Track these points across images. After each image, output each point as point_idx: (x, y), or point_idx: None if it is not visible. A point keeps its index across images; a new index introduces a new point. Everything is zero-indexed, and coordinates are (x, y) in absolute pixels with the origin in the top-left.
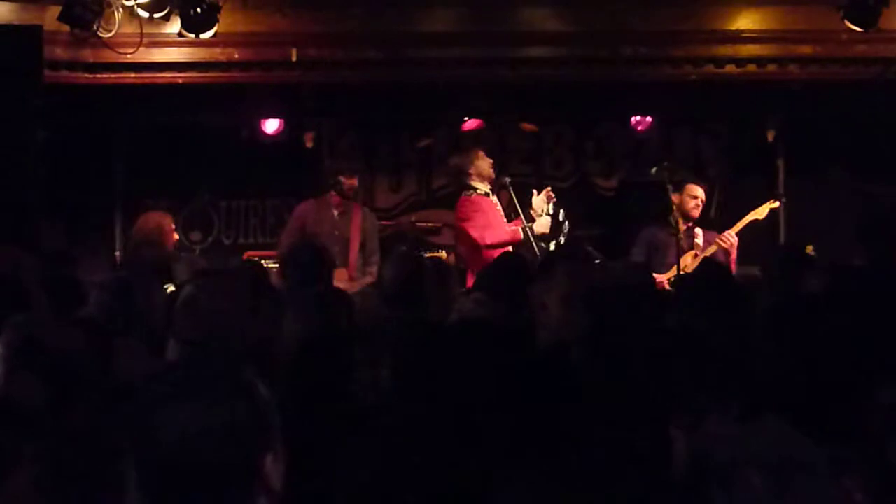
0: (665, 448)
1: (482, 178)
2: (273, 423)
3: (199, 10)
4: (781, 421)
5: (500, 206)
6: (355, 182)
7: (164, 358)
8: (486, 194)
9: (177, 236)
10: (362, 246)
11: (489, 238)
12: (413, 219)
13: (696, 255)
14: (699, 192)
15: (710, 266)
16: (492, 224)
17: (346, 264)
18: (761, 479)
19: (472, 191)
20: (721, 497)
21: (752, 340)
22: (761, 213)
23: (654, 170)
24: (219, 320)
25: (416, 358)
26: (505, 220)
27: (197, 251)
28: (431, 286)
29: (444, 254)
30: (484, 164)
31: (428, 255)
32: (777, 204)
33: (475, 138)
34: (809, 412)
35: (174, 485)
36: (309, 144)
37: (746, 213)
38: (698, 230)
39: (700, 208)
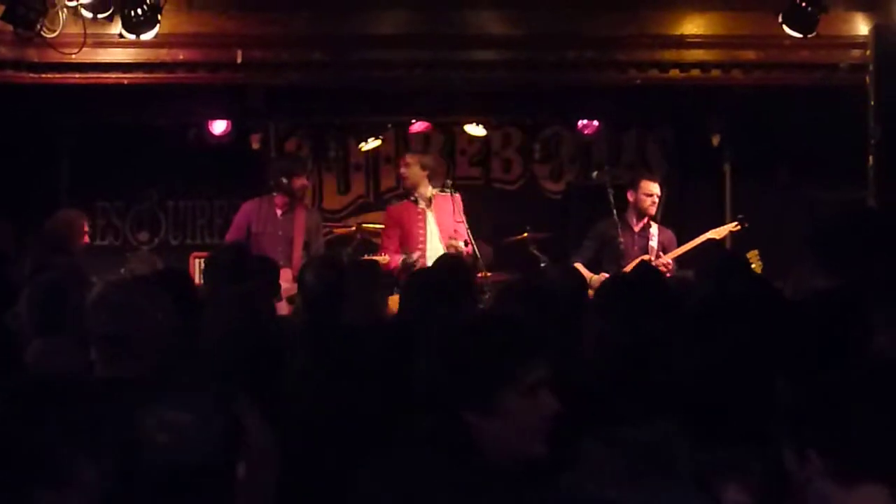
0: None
1: (409, 181)
2: (248, 439)
3: (139, 10)
4: (648, 416)
5: (427, 217)
6: (306, 181)
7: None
8: (415, 201)
9: (87, 238)
10: (307, 245)
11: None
12: (359, 221)
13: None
14: (654, 188)
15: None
16: (385, 244)
17: (289, 264)
18: (610, 472)
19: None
20: (572, 488)
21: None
22: (720, 233)
23: (595, 174)
24: (131, 316)
25: (317, 359)
26: (415, 234)
27: (145, 252)
28: (353, 290)
29: (384, 258)
30: (412, 171)
31: (366, 257)
32: (738, 227)
33: (423, 141)
34: (711, 414)
35: (150, 488)
36: (255, 146)
37: (692, 217)
38: (653, 230)
39: (656, 205)
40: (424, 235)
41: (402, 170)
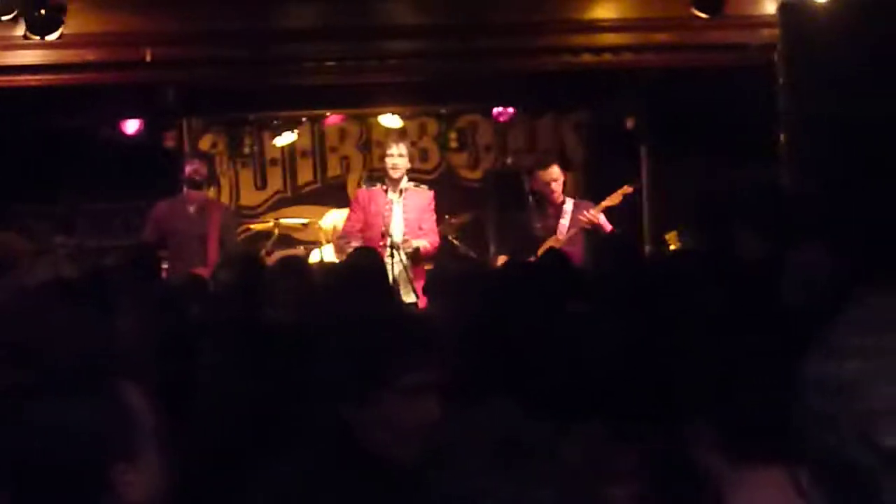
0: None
1: (400, 171)
2: (133, 432)
3: (42, 11)
4: (505, 401)
5: (394, 208)
6: (203, 169)
7: None
8: (386, 190)
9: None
10: (222, 244)
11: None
12: (277, 216)
13: (557, 240)
14: (549, 174)
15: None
16: (346, 227)
17: (204, 263)
18: (476, 462)
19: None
20: (439, 480)
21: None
22: (615, 199)
23: (509, 160)
24: (22, 324)
25: (226, 358)
26: (372, 219)
27: (62, 255)
28: (277, 286)
29: (301, 250)
30: (405, 161)
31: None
32: (630, 189)
33: (339, 133)
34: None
35: (25, 482)
36: (169, 144)
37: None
38: (567, 207)
39: (559, 190)
40: (389, 224)
41: (398, 160)
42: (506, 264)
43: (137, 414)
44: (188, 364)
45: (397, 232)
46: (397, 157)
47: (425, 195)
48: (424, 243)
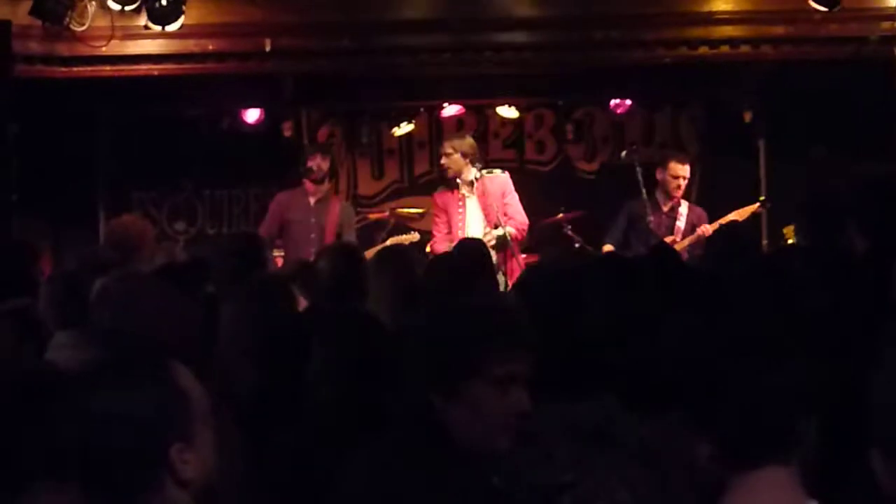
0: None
1: (452, 171)
2: (188, 413)
3: (164, 1)
4: (598, 394)
5: (467, 202)
6: (325, 164)
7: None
8: (457, 186)
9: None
10: (338, 235)
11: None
12: (393, 206)
13: (674, 242)
14: (682, 170)
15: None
16: (434, 229)
17: None
18: (564, 454)
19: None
20: (525, 471)
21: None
22: (743, 214)
23: (623, 153)
24: (130, 311)
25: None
26: (451, 218)
27: (181, 242)
28: (376, 279)
29: (415, 235)
30: (453, 159)
31: (394, 238)
32: (760, 208)
33: (456, 124)
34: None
35: (84, 469)
36: (287, 133)
37: (726, 195)
38: (682, 209)
39: (682, 188)
40: (464, 220)
41: (444, 160)
42: (607, 257)
43: (191, 395)
44: (286, 353)
45: (476, 225)
46: (443, 158)
47: (499, 180)
48: (510, 230)
